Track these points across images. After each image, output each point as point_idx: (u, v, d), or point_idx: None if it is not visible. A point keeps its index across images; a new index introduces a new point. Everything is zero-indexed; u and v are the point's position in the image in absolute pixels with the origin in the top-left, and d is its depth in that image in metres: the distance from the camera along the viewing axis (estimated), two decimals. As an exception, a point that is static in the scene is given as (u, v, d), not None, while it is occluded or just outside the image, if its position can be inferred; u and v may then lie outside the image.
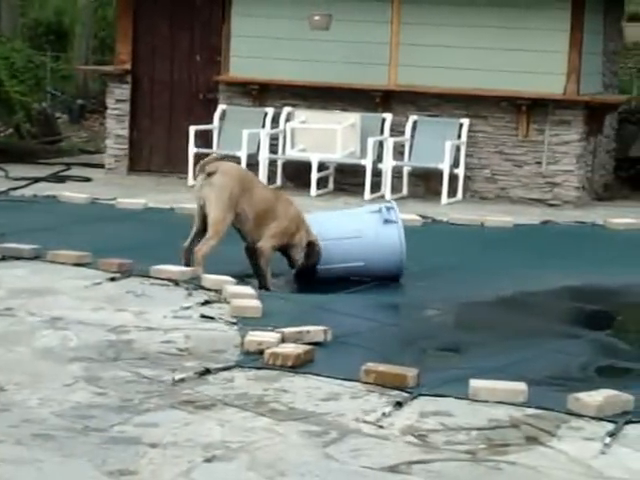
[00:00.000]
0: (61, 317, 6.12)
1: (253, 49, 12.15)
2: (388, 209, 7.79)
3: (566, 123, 11.48)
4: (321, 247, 7.59)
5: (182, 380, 5.07)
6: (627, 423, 4.69)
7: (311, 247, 7.54)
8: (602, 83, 12.39)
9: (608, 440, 4.49)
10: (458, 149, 11.56)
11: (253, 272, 7.58)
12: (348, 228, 7.75)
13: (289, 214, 7.57)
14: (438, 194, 11.40)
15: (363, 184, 11.41)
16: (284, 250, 7.63)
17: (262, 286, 7.36)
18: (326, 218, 8.14)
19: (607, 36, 12.32)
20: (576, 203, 11.50)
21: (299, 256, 7.55)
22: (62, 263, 7.48)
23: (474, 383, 5.01)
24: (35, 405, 4.69)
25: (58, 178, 12.07)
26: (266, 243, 7.48)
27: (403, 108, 11.81)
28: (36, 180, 11.69)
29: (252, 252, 7.52)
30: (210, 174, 7.40)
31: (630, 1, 13.98)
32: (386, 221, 7.71)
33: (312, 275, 7.66)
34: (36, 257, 7.62)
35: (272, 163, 11.86)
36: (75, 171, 12.61)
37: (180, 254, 7.46)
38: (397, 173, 11.62)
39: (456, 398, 4.94)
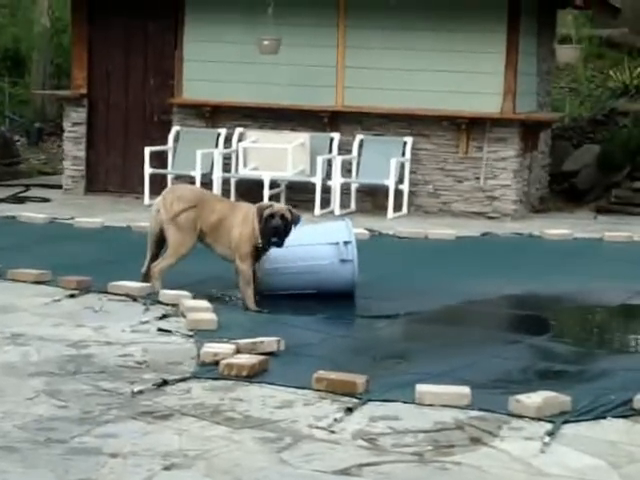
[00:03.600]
0: (22, 333, 6.16)
1: (205, 73, 12.27)
2: (346, 244, 7.58)
3: (503, 140, 11.72)
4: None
5: (141, 392, 5.13)
6: (565, 423, 4.81)
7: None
8: (537, 102, 12.63)
9: (547, 439, 4.61)
10: (402, 166, 11.76)
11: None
12: (303, 263, 7.50)
13: (247, 220, 7.28)
14: (384, 209, 11.59)
15: (313, 200, 11.57)
16: None
17: (246, 307, 7.16)
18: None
19: (540, 57, 12.53)
20: (514, 215, 11.75)
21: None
22: (22, 281, 7.51)
23: (420, 388, 5.10)
24: (-2, 419, 4.71)
25: (17, 199, 12.08)
26: (241, 262, 7.26)
27: (350, 128, 11.99)
28: (-5, 201, 11.70)
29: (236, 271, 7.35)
30: (165, 199, 7.43)
31: (562, 24, 14.26)
32: (342, 260, 7.56)
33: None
34: (-4, 276, 7.63)
35: (225, 182, 11.96)
36: (34, 192, 12.63)
37: (140, 278, 7.45)
38: (345, 189, 11.80)
39: (403, 403, 5.04)
